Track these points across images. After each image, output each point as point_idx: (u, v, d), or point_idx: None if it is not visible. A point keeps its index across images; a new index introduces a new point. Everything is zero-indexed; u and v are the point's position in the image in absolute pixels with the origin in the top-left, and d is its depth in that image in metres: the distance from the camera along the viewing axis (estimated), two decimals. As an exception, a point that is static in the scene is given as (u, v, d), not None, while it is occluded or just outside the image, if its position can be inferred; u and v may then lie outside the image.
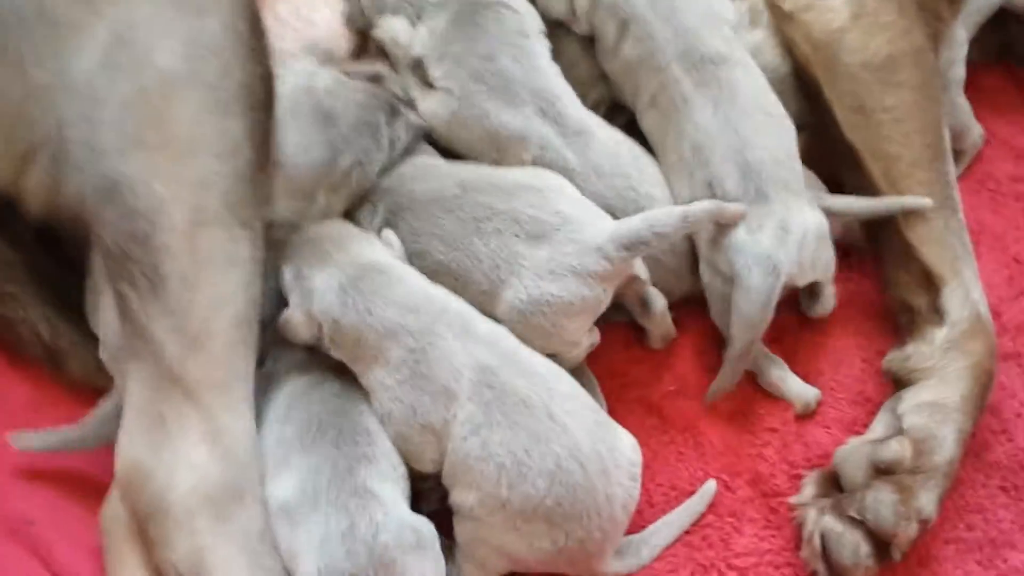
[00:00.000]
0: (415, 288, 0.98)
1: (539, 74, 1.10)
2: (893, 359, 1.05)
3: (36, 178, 1.01)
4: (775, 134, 1.07)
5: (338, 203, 1.07)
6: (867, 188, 1.08)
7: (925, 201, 1.05)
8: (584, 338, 1.01)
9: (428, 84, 1.13)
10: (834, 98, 1.10)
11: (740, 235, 1.02)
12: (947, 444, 0.98)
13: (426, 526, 0.91)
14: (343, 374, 0.98)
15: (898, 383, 1.04)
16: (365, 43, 1.20)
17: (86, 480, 1.03)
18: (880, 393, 1.05)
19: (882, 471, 0.96)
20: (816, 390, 1.05)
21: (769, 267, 1.01)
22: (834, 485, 0.99)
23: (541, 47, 1.12)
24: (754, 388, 1.06)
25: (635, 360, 1.08)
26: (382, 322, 0.96)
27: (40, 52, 0.98)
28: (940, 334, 1.03)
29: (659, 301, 1.06)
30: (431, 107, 1.12)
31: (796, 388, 1.05)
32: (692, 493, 1.00)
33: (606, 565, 0.93)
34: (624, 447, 0.94)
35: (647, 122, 1.11)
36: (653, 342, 1.08)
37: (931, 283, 1.05)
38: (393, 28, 1.15)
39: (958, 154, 1.19)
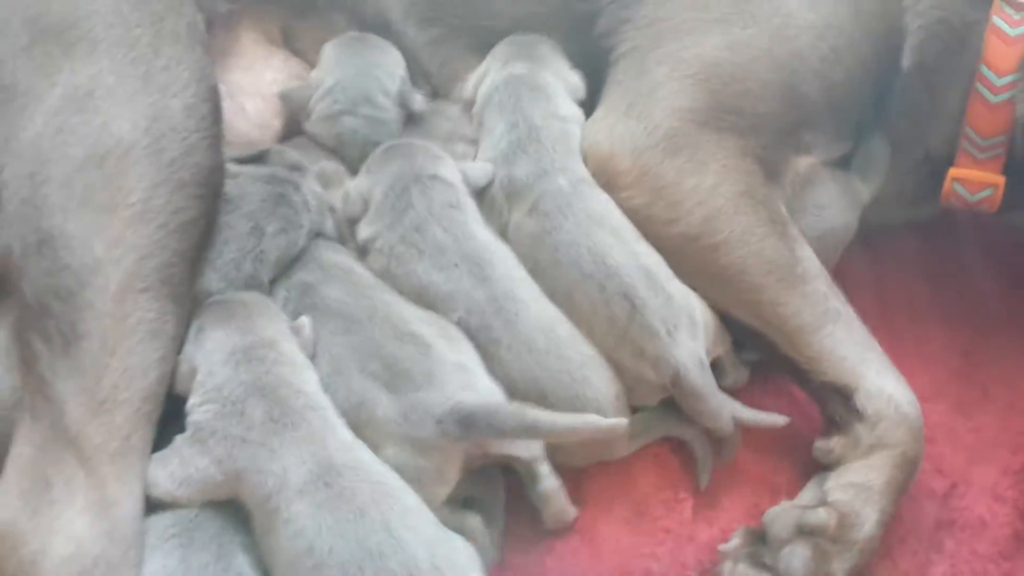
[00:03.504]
0: (302, 373, 0.99)
1: (471, 241, 1.10)
2: (819, 449, 1.07)
3: None
4: (643, 242, 1.11)
5: (264, 271, 1.09)
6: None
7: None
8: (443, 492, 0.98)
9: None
10: (676, 269, 1.10)
11: (665, 344, 1.04)
12: (869, 523, 1.01)
13: None
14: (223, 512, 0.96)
15: (824, 467, 1.07)
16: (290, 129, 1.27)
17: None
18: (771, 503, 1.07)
19: (806, 533, 1.00)
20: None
21: (698, 363, 1.05)
22: (760, 541, 1.02)
23: (472, 214, 1.14)
24: (650, 491, 1.08)
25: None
26: (256, 382, 0.96)
27: None
28: (863, 434, 1.05)
29: (549, 481, 1.02)
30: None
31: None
32: (585, 590, 1.01)
33: None
34: (466, 561, 0.92)
35: (526, 232, 1.12)
36: (546, 521, 1.04)
37: (840, 393, 1.07)
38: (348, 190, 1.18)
39: None
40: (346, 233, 1.17)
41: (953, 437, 1.15)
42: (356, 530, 0.89)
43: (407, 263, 1.10)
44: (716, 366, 1.10)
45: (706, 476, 1.09)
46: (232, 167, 1.12)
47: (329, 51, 1.28)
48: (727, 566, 1.01)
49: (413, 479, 0.96)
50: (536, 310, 1.07)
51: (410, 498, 0.94)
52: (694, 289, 1.10)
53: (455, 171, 1.16)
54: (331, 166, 1.21)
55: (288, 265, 1.11)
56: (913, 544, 1.06)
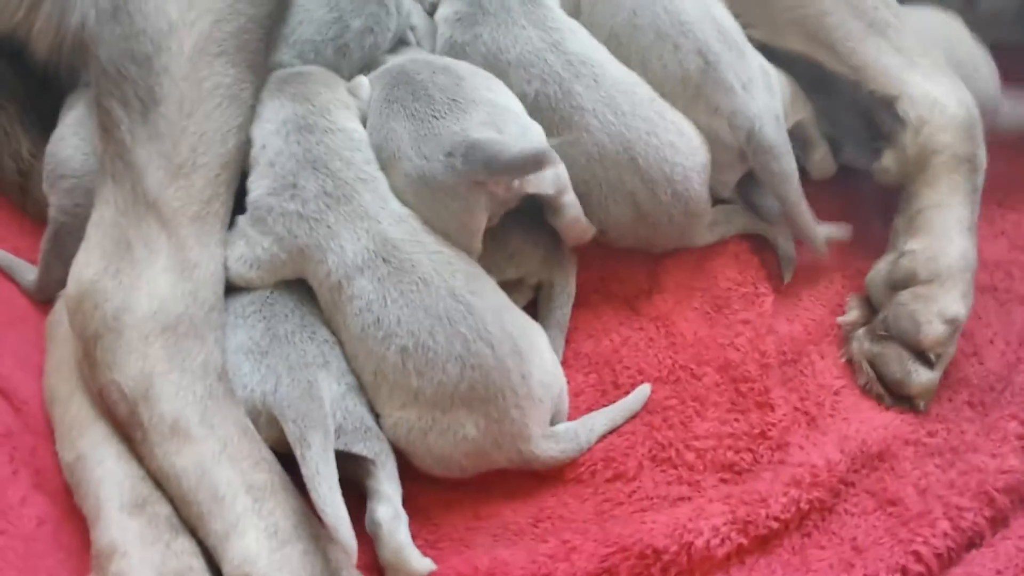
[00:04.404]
0: (353, 142, 0.97)
1: (542, 9, 1.06)
2: (876, 169, 1.06)
3: (44, 15, 1.02)
4: None
5: (347, 67, 1.05)
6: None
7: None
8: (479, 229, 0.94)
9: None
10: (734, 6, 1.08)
11: (740, 99, 1.02)
12: (952, 243, 1.00)
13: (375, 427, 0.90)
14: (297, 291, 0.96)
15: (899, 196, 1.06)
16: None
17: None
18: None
19: (900, 286, 1.00)
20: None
21: (773, 118, 1.02)
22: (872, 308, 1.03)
23: None
24: (729, 286, 1.05)
25: (614, 256, 1.07)
26: (307, 154, 0.95)
27: None
28: (908, 141, 1.04)
29: (573, 210, 1.00)
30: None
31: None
32: (659, 379, 1.00)
33: (536, 446, 0.91)
34: (534, 329, 0.94)
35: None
36: (567, 241, 1.03)
37: (887, 102, 1.05)
38: None
39: None
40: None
41: (1046, 248, 1.12)
42: (422, 298, 0.89)
43: (471, 26, 1.05)
44: (801, 140, 1.08)
45: (789, 271, 1.07)
46: None
47: None
48: (855, 346, 1.01)
49: (436, 227, 0.94)
50: (613, 72, 1.03)
51: (471, 266, 0.93)
52: (743, 22, 1.07)
53: None
54: None
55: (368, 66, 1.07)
56: (1001, 345, 1.04)
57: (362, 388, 0.92)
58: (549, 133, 0.99)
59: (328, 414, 0.88)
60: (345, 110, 0.99)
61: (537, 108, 1.01)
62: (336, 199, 0.93)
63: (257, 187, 0.95)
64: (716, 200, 1.06)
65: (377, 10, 1.07)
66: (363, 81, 1.02)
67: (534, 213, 1.01)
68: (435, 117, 0.95)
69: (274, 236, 0.93)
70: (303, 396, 0.88)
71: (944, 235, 1.00)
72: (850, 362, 1.02)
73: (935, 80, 1.05)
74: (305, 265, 0.93)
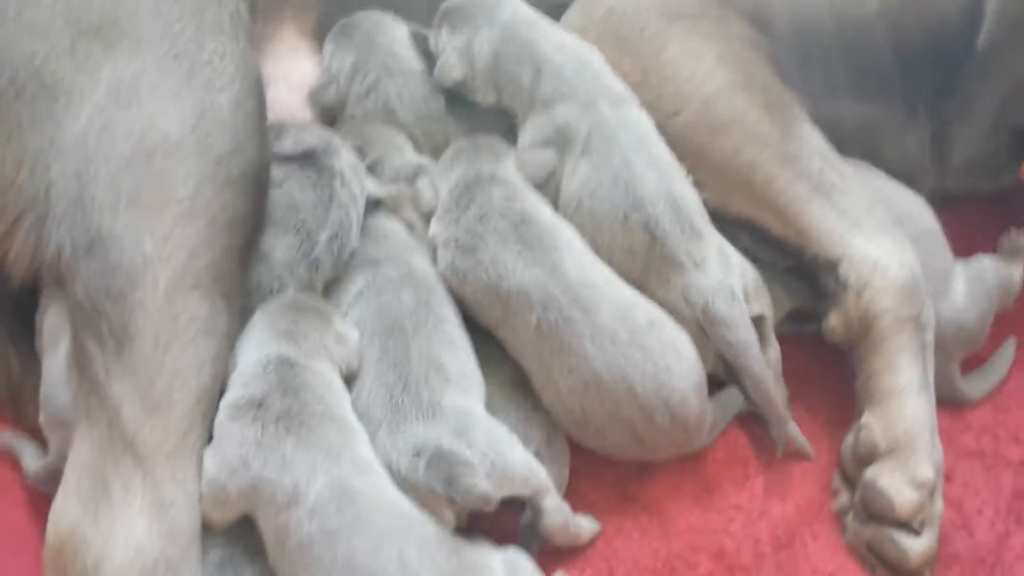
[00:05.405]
0: (324, 385, 0.97)
1: (535, 227, 1.06)
2: (824, 329, 1.08)
3: (20, 242, 1.01)
4: (681, 173, 1.09)
5: (320, 279, 1.07)
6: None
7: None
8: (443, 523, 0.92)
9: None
10: (682, 160, 1.10)
11: (690, 275, 1.03)
12: (905, 406, 1.01)
13: None
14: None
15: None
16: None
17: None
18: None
19: (867, 461, 1.00)
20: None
21: (728, 293, 1.03)
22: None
23: (532, 201, 1.09)
24: (720, 468, 1.06)
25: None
26: (281, 382, 0.94)
27: (35, 117, 1.00)
28: (850, 304, 1.05)
29: (554, 517, 0.97)
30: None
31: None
32: (654, 570, 1.00)
33: None
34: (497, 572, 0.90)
35: (583, 171, 1.09)
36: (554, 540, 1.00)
37: (830, 266, 1.07)
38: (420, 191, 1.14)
39: None
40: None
41: (1030, 405, 1.12)
42: (372, 565, 0.87)
43: (472, 254, 1.05)
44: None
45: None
46: (276, 172, 1.08)
47: (332, 41, 1.25)
48: (850, 534, 1.01)
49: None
50: (612, 295, 1.03)
51: (427, 527, 0.91)
52: (697, 182, 1.09)
53: (513, 167, 1.12)
54: (395, 190, 1.15)
55: (342, 267, 1.08)
56: (990, 514, 1.04)
57: None
58: (550, 358, 1.01)
59: None
60: (328, 360, 0.98)
61: (539, 334, 1.02)
62: (299, 423, 0.92)
63: (224, 408, 0.95)
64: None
65: (339, 214, 1.08)
66: (353, 335, 1.01)
67: (533, 400, 1.03)
68: (415, 415, 0.96)
69: (229, 469, 0.91)
70: None
71: (896, 400, 1.01)
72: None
73: (877, 242, 1.06)
74: (257, 500, 0.91)
